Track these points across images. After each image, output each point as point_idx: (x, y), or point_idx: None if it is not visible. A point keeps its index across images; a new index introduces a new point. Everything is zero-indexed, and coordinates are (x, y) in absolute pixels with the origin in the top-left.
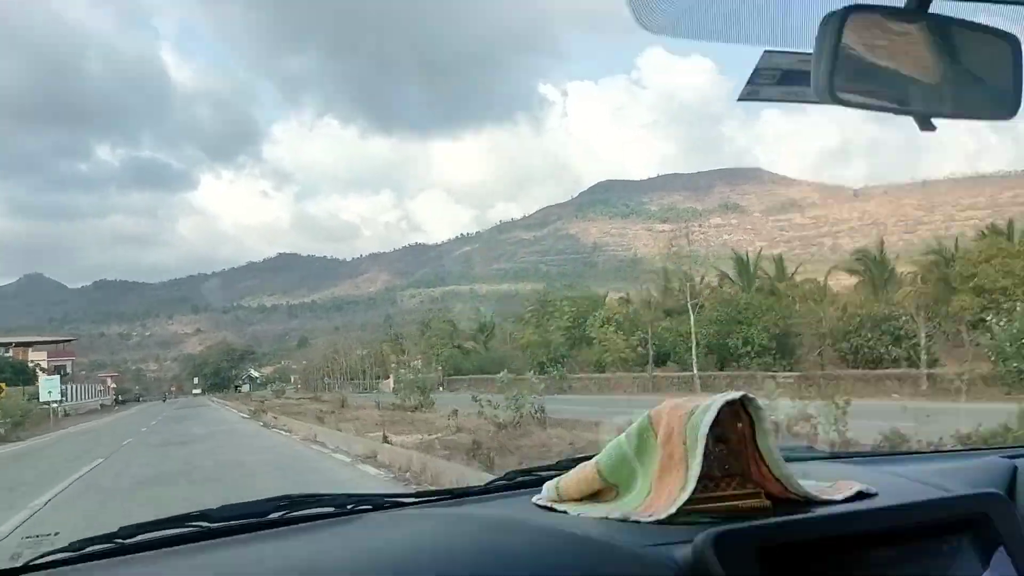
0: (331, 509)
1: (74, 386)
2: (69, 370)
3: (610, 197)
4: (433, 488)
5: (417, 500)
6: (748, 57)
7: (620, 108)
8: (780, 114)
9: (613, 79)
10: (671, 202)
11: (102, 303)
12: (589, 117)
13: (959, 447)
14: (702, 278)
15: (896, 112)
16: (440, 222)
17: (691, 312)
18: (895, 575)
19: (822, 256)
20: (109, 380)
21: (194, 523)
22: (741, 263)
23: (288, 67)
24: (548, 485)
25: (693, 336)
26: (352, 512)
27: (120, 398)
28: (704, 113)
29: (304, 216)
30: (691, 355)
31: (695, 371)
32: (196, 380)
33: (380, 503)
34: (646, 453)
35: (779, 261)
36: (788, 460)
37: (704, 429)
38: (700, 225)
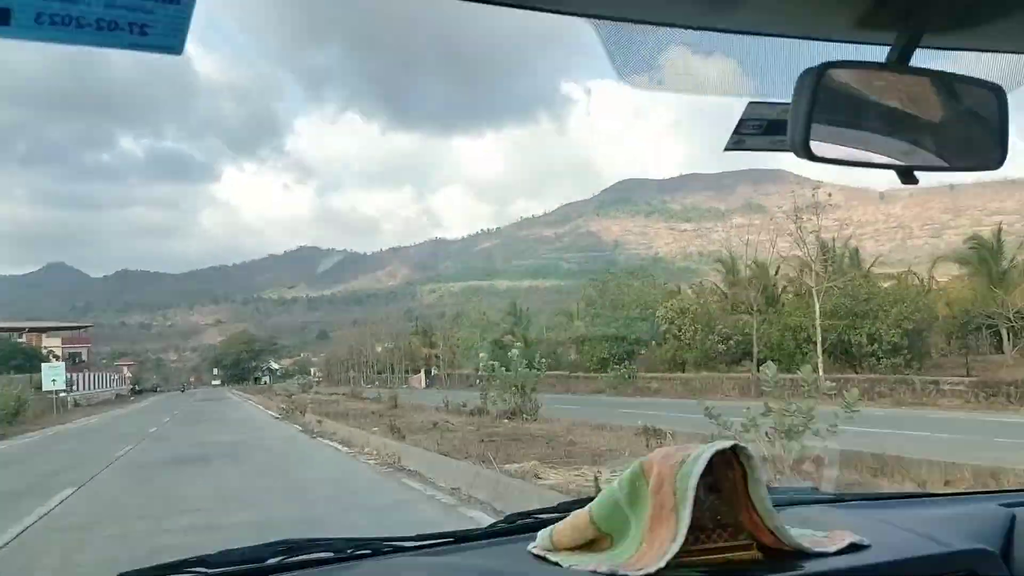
0: (330, 555)
1: (89, 374)
2: (85, 358)
3: (632, 196)
4: (433, 532)
5: (417, 544)
6: (771, 61)
7: (642, 107)
8: None
9: (636, 77)
10: (693, 202)
11: (124, 293)
12: (611, 116)
13: (960, 491)
14: (776, 270)
15: (876, 167)
16: (460, 217)
17: (816, 299)
18: None
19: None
20: (126, 369)
21: (191, 569)
22: (825, 250)
23: (311, 61)
24: (542, 533)
25: (819, 330)
26: (350, 558)
27: (137, 388)
28: (727, 113)
29: (326, 210)
30: (800, 353)
31: (820, 373)
32: (216, 371)
33: (379, 548)
34: (638, 502)
35: (854, 252)
36: (791, 503)
37: (694, 479)
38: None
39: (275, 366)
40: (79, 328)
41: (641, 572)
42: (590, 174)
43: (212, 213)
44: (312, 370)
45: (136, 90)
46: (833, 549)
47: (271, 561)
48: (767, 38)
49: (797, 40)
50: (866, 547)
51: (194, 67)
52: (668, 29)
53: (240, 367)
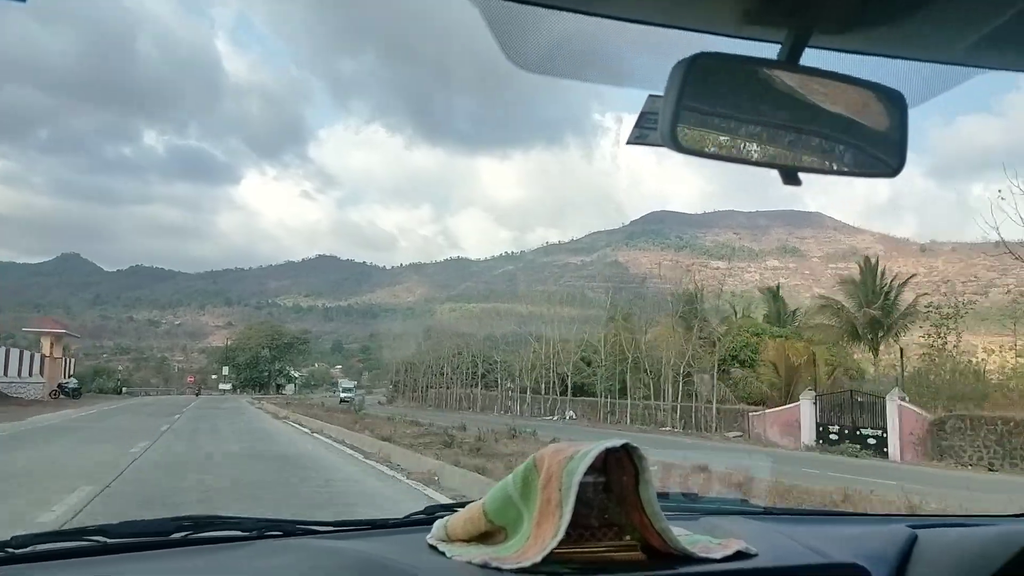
0: (235, 532)
1: None
2: None
3: (662, 228)
4: (355, 518)
5: (330, 529)
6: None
7: None
8: None
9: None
10: (726, 239)
11: (136, 288)
12: (642, 147)
13: (881, 513)
14: None
15: (753, 164)
16: (478, 240)
17: None
18: None
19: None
20: (47, 344)
21: (91, 537)
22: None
23: (341, 69)
24: (438, 524)
25: None
26: (256, 537)
27: (73, 387)
28: None
29: (344, 221)
30: None
31: None
32: (225, 371)
33: (290, 530)
34: (530, 496)
35: None
36: (715, 513)
37: (578, 476)
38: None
39: (295, 374)
40: None
41: (517, 565)
42: (616, 204)
43: (231, 216)
44: (341, 381)
45: (163, 85)
46: (718, 556)
47: (175, 536)
48: (661, 29)
49: (690, 32)
50: (752, 556)
51: (223, 66)
52: (558, 13)
53: (258, 368)
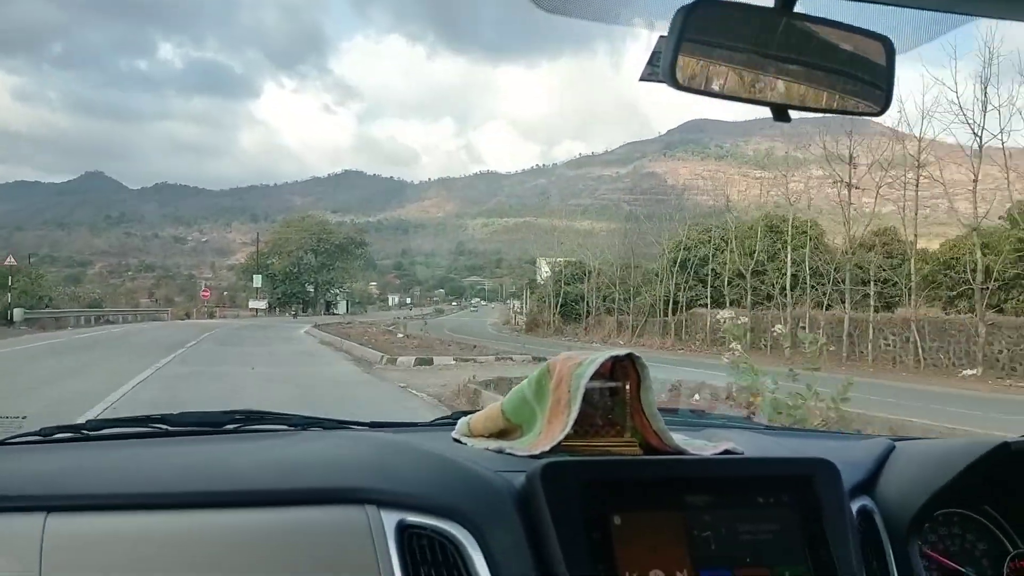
0: (282, 427)
1: None
2: None
3: (702, 138)
4: (386, 421)
5: (365, 428)
6: None
7: None
8: None
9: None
10: (768, 148)
11: (161, 205)
12: None
13: (877, 435)
14: None
15: (746, 101)
16: (502, 154)
17: None
18: (709, 519)
19: (936, 219)
20: None
21: (155, 424)
22: None
23: None
24: (461, 421)
25: None
26: (299, 429)
27: None
28: None
29: (365, 136)
30: None
31: None
32: (257, 282)
33: (331, 425)
34: (543, 397)
35: None
36: (721, 427)
37: (585, 379)
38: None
39: (336, 290)
40: None
41: (528, 453)
42: (644, 116)
43: (252, 132)
44: (393, 296)
45: None
46: (708, 453)
47: (229, 426)
48: None
49: None
50: (739, 454)
51: None
52: None
53: (300, 281)
